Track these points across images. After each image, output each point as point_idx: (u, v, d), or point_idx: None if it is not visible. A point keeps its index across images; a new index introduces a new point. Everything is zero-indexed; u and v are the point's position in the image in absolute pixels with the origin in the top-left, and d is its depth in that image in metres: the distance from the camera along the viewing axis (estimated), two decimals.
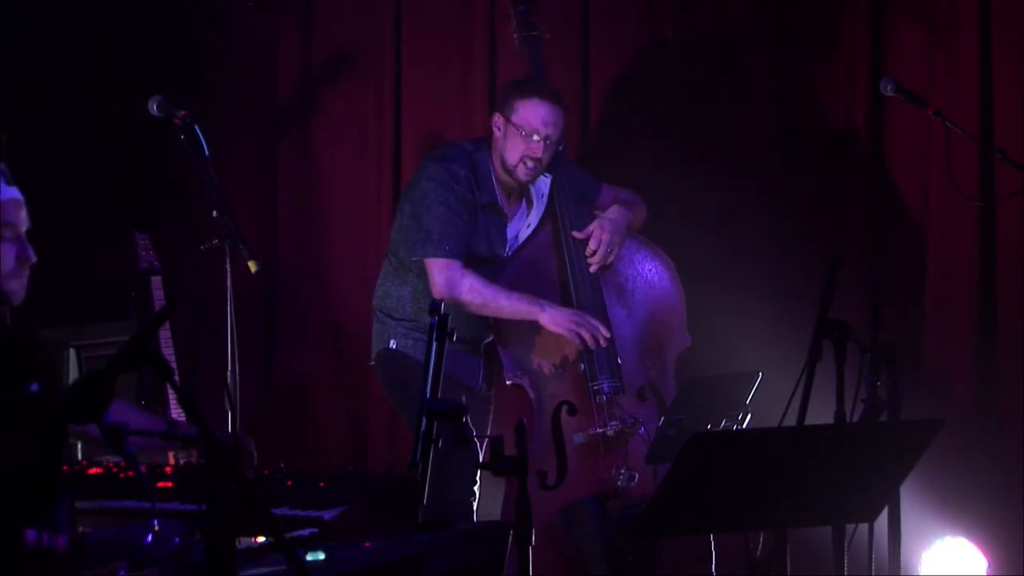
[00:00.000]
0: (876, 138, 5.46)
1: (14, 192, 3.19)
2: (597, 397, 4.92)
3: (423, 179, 5.00)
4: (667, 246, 5.21)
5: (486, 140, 5.09)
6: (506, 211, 5.07)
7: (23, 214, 3.20)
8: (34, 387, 2.62)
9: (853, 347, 3.84)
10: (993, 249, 5.30)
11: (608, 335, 4.92)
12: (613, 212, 5.13)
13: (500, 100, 5.12)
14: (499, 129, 5.01)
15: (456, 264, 4.91)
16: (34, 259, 3.19)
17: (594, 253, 5.03)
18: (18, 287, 3.17)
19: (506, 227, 5.09)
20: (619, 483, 4.85)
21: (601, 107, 5.75)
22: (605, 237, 5.05)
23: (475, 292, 4.90)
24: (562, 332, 4.89)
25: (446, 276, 4.89)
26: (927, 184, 5.38)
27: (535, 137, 4.94)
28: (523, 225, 5.13)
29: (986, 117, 5.27)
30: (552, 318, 4.90)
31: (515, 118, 4.96)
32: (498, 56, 5.77)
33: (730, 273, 5.50)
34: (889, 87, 5.01)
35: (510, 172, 5.00)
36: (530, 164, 4.97)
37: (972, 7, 5.29)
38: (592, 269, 5.04)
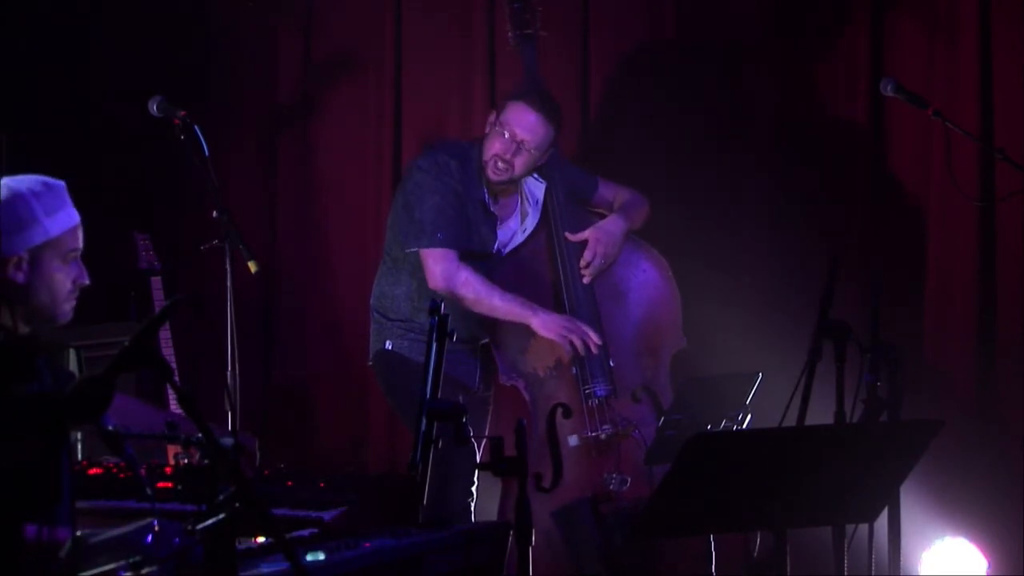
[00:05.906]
0: (876, 138, 5.46)
1: (77, 216, 3.18)
2: (590, 400, 4.92)
3: (414, 170, 5.01)
4: (667, 245, 5.20)
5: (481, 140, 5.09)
6: (493, 210, 5.06)
7: (81, 237, 3.19)
8: (46, 386, 2.62)
9: (853, 347, 3.84)
10: (993, 249, 5.29)
11: (599, 342, 4.91)
12: (610, 222, 5.11)
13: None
14: (489, 126, 5.03)
15: (452, 254, 4.90)
16: (88, 282, 3.16)
17: (588, 265, 5.03)
18: (69, 309, 3.15)
19: (496, 225, 5.07)
20: (611, 486, 4.85)
21: (600, 106, 5.75)
22: (600, 249, 5.04)
23: (469, 286, 4.89)
24: (553, 338, 4.89)
25: (443, 267, 4.87)
26: (927, 184, 5.38)
27: (510, 137, 4.93)
28: (518, 230, 5.12)
29: (986, 117, 5.27)
30: (543, 323, 4.90)
31: (502, 116, 4.98)
32: (498, 56, 5.76)
33: (730, 273, 5.49)
34: (889, 87, 5.00)
35: (484, 168, 5.00)
36: (500, 165, 4.97)
37: (972, 7, 5.29)
38: (585, 280, 5.04)
